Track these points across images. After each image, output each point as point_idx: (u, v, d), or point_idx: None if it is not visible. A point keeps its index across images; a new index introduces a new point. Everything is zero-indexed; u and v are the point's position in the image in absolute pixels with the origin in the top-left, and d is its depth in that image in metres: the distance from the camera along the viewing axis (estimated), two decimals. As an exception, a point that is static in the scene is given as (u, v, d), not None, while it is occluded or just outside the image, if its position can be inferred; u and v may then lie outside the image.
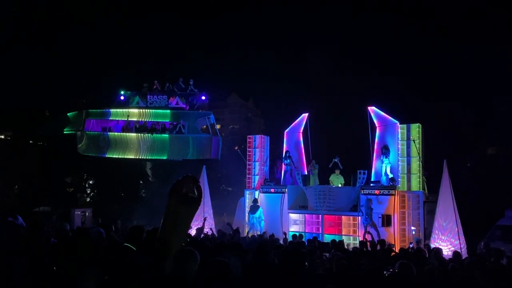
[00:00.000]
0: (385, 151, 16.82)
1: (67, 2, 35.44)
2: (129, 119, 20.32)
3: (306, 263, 5.54)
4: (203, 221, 14.88)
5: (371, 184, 16.86)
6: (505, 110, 28.11)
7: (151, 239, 4.81)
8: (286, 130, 20.22)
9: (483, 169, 27.01)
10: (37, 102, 26.67)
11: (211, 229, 16.16)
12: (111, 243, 5.01)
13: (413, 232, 14.30)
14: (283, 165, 19.38)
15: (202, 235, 13.34)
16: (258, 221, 17.58)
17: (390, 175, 16.59)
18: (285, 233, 15.50)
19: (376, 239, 14.50)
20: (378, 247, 11.12)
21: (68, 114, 21.34)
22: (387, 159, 16.75)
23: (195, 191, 4.46)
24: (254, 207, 17.94)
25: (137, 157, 20.54)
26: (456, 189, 14.67)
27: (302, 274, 4.77)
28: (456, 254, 9.48)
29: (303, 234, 15.82)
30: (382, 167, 16.93)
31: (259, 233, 16.59)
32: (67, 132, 21.12)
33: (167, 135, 19.93)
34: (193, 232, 14.62)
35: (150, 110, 20.33)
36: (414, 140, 16.23)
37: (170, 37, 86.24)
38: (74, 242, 5.08)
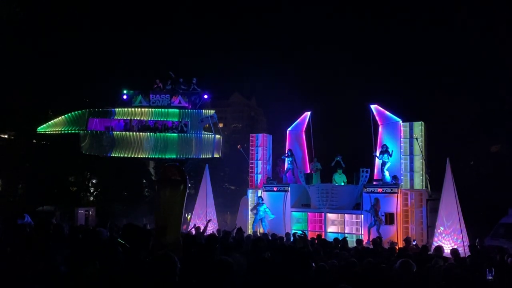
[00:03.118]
0: (384, 149, 16.78)
1: (70, 1, 35.56)
2: (132, 118, 20.36)
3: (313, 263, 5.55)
4: (206, 223, 14.81)
5: (374, 183, 16.87)
6: (508, 108, 28.01)
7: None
8: (289, 129, 20.24)
9: (486, 167, 26.94)
10: (40, 101, 26.78)
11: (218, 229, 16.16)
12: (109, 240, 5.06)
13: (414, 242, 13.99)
14: (285, 163, 19.39)
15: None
16: (265, 213, 17.62)
17: (386, 173, 16.59)
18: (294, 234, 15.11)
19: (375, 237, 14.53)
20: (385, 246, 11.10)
21: (71, 113, 21.41)
22: (385, 155, 16.72)
23: (179, 175, 4.51)
24: (258, 205, 17.99)
25: (140, 156, 20.58)
26: (459, 187, 14.65)
27: (310, 273, 4.78)
28: (454, 252, 9.46)
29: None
30: (380, 164, 16.93)
31: (263, 230, 16.64)
32: (70, 131, 21.20)
33: (170, 134, 19.96)
34: (192, 231, 14.66)
35: (153, 109, 20.36)
36: (417, 138, 16.22)
37: (173, 36, 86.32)
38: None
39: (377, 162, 17.45)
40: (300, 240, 11.99)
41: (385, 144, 16.90)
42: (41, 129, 21.65)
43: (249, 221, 18.52)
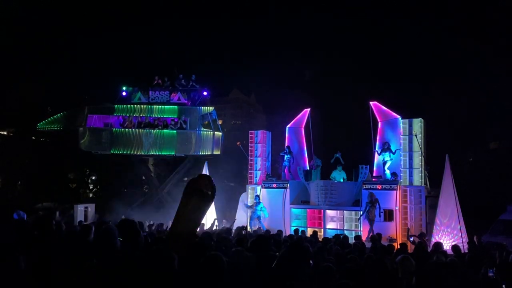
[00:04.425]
0: (386, 146, 16.79)
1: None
2: (131, 115, 20.36)
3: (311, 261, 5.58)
4: (213, 222, 14.88)
5: (373, 179, 16.88)
6: (508, 104, 28.04)
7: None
8: (288, 126, 20.22)
9: (485, 164, 26.99)
10: (39, 98, 26.74)
11: (216, 226, 16.21)
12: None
13: (411, 239, 14.08)
14: (284, 160, 19.38)
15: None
16: (262, 211, 17.72)
17: (387, 171, 16.61)
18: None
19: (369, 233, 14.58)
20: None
21: (70, 110, 21.40)
22: (387, 153, 16.74)
23: (211, 190, 4.52)
24: (255, 204, 18.04)
25: (139, 153, 20.59)
26: (458, 183, 14.66)
27: (307, 267, 4.80)
28: (455, 248, 9.49)
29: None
30: (382, 162, 16.94)
31: (261, 227, 16.69)
32: (70, 128, 21.19)
33: (169, 131, 19.98)
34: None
35: (152, 106, 20.36)
36: (416, 135, 16.21)
37: (172, 33, 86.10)
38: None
39: (377, 158, 17.47)
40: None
41: (387, 142, 16.89)
42: (41, 125, 21.69)
43: (248, 218, 18.53)
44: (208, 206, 4.74)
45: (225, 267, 3.61)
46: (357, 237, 12.04)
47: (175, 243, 4.48)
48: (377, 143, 17.65)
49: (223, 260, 3.63)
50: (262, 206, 17.81)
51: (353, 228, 16.66)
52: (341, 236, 11.20)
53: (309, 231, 16.26)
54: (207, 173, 19.09)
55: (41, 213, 18.70)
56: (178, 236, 4.60)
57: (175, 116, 20.23)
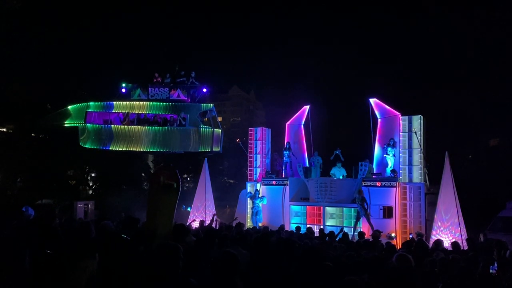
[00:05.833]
0: (392, 143, 16.77)
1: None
2: (130, 112, 20.31)
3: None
4: (212, 218, 14.90)
5: (373, 176, 16.88)
6: (508, 101, 28.04)
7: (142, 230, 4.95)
8: (288, 123, 20.22)
9: (485, 161, 27.00)
10: (38, 95, 26.66)
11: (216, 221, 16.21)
12: (109, 234, 5.10)
13: (411, 236, 14.21)
14: (284, 157, 19.38)
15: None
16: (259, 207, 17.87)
17: (392, 168, 16.64)
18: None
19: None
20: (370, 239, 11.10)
21: (69, 107, 21.35)
22: (392, 150, 16.72)
23: (172, 180, 4.51)
24: (254, 197, 18.15)
25: (139, 150, 20.55)
26: (457, 180, 14.67)
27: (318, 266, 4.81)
28: (455, 244, 9.49)
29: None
30: (387, 160, 16.92)
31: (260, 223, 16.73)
32: (69, 124, 21.14)
33: (169, 128, 19.93)
34: (195, 224, 14.71)
35: (152, 103, 20.29)
36: (415, 132, 16.21)
37: (172, 30, 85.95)
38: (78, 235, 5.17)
39: (378, 156, 17.46)
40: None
41: (392, 138, 16.86)
42: (40, 122, 21.67)
43: (248, 215, 18.56)
44: (173, 197, 4.75)
45: (240, 264, 3.63)
46: (360, 234, 12.02)
47: (152, 239, 4.49)
48: (377, 140, 17.64)
49: (237, 257, 3.65)
50: (260, 200, 17.89)
51: (352, 225, 16.67)
52: (341, 234, 11.18)
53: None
54: (207, 171, 19.10)
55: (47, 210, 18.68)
56: (153, 232, 4.61)
57: (175, 113, 20.18)
